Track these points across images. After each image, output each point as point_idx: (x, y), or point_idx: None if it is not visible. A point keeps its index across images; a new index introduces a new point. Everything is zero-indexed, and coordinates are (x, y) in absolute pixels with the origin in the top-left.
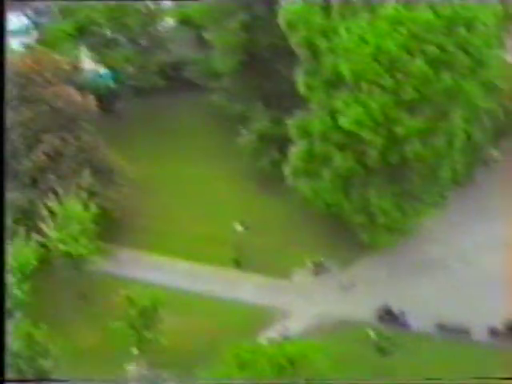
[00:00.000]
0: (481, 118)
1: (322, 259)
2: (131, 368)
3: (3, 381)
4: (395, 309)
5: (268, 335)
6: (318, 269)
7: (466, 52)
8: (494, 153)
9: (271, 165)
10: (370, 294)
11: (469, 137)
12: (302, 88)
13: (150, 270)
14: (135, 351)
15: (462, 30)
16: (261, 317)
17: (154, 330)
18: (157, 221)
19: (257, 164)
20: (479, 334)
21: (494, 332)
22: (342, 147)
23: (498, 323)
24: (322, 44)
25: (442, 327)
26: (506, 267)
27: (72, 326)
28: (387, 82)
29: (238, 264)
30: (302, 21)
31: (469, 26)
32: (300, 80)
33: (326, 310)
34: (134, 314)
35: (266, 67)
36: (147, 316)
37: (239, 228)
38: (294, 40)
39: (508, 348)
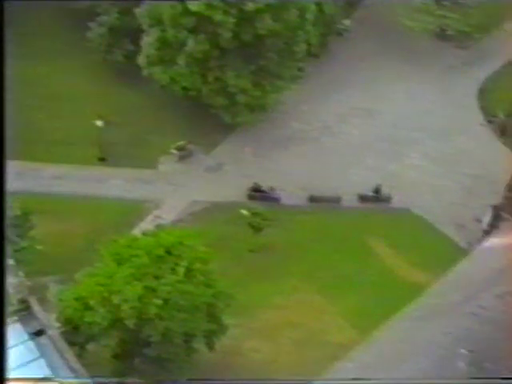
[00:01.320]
0: None
1: (185, 144)
2: (10, 280)
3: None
4: (265, 186)
5: (142, 227)
6: (183, 154)
7: None
8: (346, 22)
9: (125, 57)
10: (239, 174)
11: (320, 8)
12: None
13: (16, 178)
14: (12, 262)
15: None
16: (133, 210)
17: (27, 238)
18: (16, 127)
19: (110, 57)
20: (349, 201)
21: (363, 198)
22: (194, 31)
23: (366, 189)
24: None
25: (313, 198)
26: (368, 135)
27: None
28: None
29: (103, 160)
30: None
31: None
32: None
33: (196, 195)
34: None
35: None
36: (19, 225)
37: (99, 123)
38: None
39: (375, 210)
